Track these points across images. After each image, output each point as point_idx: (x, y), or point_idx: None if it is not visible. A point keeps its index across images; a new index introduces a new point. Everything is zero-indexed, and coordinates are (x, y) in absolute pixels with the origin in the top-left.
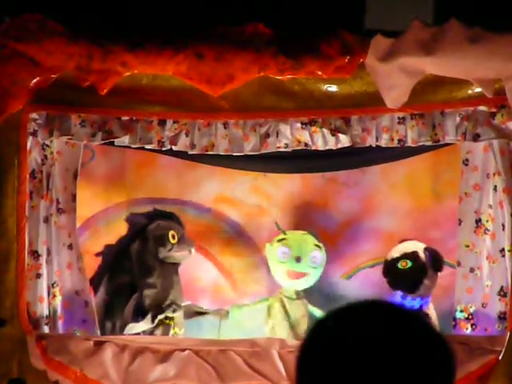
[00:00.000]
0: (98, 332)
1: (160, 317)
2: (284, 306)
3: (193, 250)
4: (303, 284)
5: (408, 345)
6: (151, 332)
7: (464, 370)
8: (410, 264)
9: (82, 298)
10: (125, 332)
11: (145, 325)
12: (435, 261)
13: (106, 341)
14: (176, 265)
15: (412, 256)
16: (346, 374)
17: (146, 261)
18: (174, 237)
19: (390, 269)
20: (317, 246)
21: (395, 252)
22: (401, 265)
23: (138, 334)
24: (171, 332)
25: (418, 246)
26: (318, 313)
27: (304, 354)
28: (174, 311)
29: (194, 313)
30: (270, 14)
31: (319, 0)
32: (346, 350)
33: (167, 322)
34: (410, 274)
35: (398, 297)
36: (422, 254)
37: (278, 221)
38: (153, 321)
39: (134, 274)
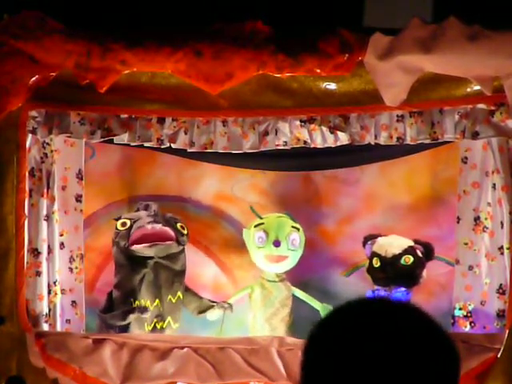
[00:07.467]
0: (82, 331)
1: (132, 316)
2: (265, 290)
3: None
4: (283, 267)
5: (414, 341)
6: (128, 327)
7: (463, 367)
8: (412, 259)
9: (69, 297)
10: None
11: (116, 320)
12: (429, 253)
13: (105, 338)
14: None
15: (412, 251)
16: (350, 373)
17: (115, 254)
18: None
19: (391, 266)
20: (294, 227)
21: (392, 248)
22: (404, 261)
23: (112, 328)
24: (165, 325)
25: (407, 241)
26: (301, 294)
27: (308, 353)
28: (142, 313)
29: (206, 307)
30: (269, 11)
31: None
32: (350, 349)
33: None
34: (413, 268)
35: (381, 291)
36: (416, 248)
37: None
38: (124, 318)
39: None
